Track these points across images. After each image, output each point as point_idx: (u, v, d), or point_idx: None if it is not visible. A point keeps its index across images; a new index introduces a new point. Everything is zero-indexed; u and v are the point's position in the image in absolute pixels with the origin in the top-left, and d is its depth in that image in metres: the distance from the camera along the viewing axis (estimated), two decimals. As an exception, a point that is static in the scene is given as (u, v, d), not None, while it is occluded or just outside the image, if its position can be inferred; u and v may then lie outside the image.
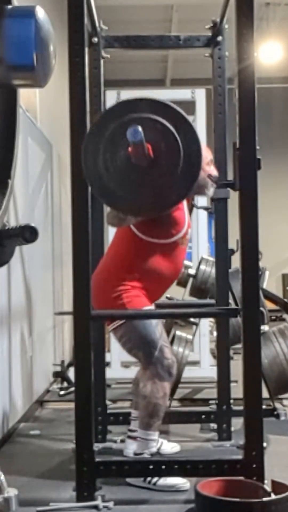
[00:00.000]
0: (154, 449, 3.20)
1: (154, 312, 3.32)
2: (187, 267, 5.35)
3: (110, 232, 5.26)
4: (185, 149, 2.78)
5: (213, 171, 3.39)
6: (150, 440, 3.20)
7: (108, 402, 3.85)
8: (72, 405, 2.91)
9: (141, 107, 2.80)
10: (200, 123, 5.70)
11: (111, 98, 5.51)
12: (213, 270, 4.13)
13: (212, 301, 4.00)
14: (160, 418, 3.21)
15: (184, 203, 3.26)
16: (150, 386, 3.16)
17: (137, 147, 2.71)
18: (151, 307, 3.29)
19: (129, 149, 2.73)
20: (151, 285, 3.25)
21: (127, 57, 9.36)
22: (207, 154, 3.37)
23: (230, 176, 3.32)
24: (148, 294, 3.24)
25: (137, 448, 3.24)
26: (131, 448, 3.39)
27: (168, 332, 4.98)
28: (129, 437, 3.49)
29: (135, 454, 3.23)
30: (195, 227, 5.89)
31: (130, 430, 3.51)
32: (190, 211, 3.70)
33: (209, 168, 3.36)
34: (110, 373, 4.39)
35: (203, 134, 5.66)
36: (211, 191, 3.40)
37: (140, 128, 2.68)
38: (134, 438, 3.41)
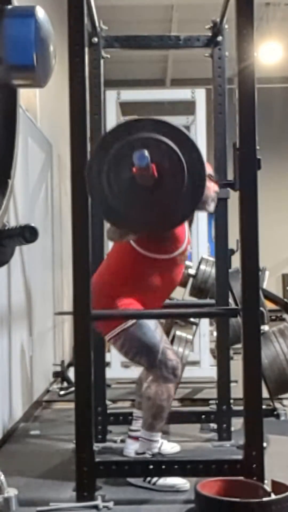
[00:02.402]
0: (156, 450, 3.20)
1: (154, 312, 3.31)
2: (187, 267, 5.35)
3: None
4: (189, 168, 2.80)
5: (214, 187, 3.35)
6: (153, 441, 3.20)
7: (108, 402, 3.85)
8: (72, 405, 2.91)
9: (144, 127, 2.81)
10: (200, 123, 5.70)
11: (111, 98, 5.51)
12: (213, 270, 4.13)
13: (212, 301, 4.00)
14: (163, 419, 3.19)
15: None
16: (155, 388, 3.14)
17: (143, 171, 2.73)
18: None
19: (134, 169, 2.74)
20: (146, 298, 3.23)
21: (127, 57, 9.36)
22: (206, 169, 3.35)
23: (230, 176, 3.32)
24: (143, 305, 3.22)
25: (139, 448, 3.23)
26: (132, 448, 3.39)
27: (168, 332, 4.98)
28: (130, 436, 3.49)
29: (137, 453, 3.23)
30: (195, 227, 5.89)
31: (131, 430, 3.51)
32: (190, 226, 3.67)
33: (209, 183, 3.34)
34: (110, 373, 4.40)
35: (203, 134, 5.67)
36: (211, 206, 3.35)
37: (146, 153, 2.71)
38: (135, 438, 3.41)
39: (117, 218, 2.90)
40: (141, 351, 3.18)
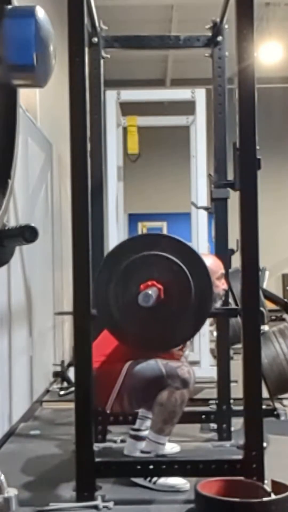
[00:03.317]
0: (161, 452, 3.18)
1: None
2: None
3: (110, 232, 5.27)
4: (197, 290, 2.86)
5: (223, 285, 3.40)
6: (160, 443, 3.18)
7: (108, 402, 3.84)
8: (72, 405, 2.91)
9: (156, 243, 2.89)
10: (200, 123, 5.70)
11: (111, 98, 5.50)
12: (213, 270, 4.13)
13: (212, 301, 4.00)
14: (174, 424, 3.16)
15: None
16: (167, 395, 3.09)
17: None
18: None
19: (141, 287, 2.81)
20: None
21: (127, 57, 9.36)
22: (217, 269, 3.38)
23: (230, 176, 3.32)
24: None
25: (145, 447, 3.22)
26: (132, 448, 3.38)
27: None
28: (132, 436, 3.47)
29: (142, 451, 3.22)
30: (195, 227, 5.89)
31: (134, 429, 3.49)
32: None
33: (219, 282, 3.35)
34: (110, 373, 4.40)
35: (203, 134, 5.67)
36: (218, 303, 3.40)
37: (151, 292, 2.77)
38: (137, 438, 3.40)
39: (118, 331, 2.98)
40: (148, 386, 3.12)
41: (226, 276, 3.82)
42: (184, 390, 3.11)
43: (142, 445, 3.29)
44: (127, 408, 3.23)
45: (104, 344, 3.19)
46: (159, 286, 2.84)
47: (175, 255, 2.87)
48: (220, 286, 3.38)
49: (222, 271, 3.44)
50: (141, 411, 3.52)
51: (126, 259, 2.88)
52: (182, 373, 3.11)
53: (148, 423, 3.37)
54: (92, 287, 2.85)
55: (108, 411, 3.21)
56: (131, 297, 2.84)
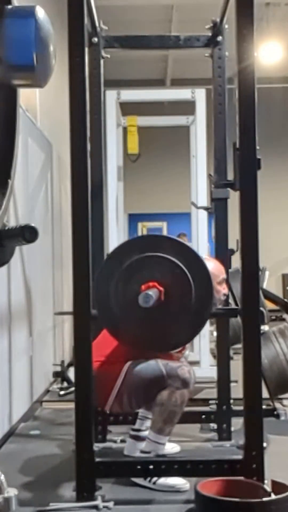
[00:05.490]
0: (161, 452, 3.18)
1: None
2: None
3: (110, 232, 5.27)
4: (197, 293, 2.87)
5: (224, 290, 3.40)
6: (160, 443, 3.17)
7: (108, 402, 3.84)
8: (72, 405, 2.91)
9: (158, 245, 2.90)
10: (200, 123, 5.70)
11: (111, 98, 5.51)
12: (213, 270, 4.13)
13: (212, 301, 4.00)
14: (174, 424, 3.16)
15: None
16: (168, 395, 3.09)
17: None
18: None
19: (142, 287, 2.81)
20: None
21: (127, 57, 9.37)
22: (219, 273, 3.38)
23: (230, 176, 3.32)
24: None
25: (145, 447, 3.22)
26: (132, 448, 3.38)
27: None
28: (132, 436, 3.46)
29: (142, 451, 3.22)
30: (195, 227, 5.90)
31: (134, 429, 3.49)
32: None
33: (220, 287, 3.35)
34: (110, 373, 4.40)
35: (203, 134, 5.67)
36: (217, 306, 3.40)
37: (151, 292, 2.78)
38: (138, 438, 3.40)
39: (117, 331, 2.98)
40: (149, 387, 3.12)
41: (227, 278, 3.83)
42: (184, 390, 3.12)
43: (142, 445, 3.29)
44: (127, 408, 3.23)
45: (103, 344, 3.19)
46: (160, 288, 2.84)
47: (177, 258, 2.88)
48: (221, 291, 3.37)
49: (224, 276, 3.43)
50: (141, 411, 3.52)
51: (128, 259, 2.88)
52: (182, 373, 3.12)
53: (148, 423, 3.37)
54: (93, 286, 2.85)
55: (107, 411, 3.20)
56: (131, 298, 2.84)
